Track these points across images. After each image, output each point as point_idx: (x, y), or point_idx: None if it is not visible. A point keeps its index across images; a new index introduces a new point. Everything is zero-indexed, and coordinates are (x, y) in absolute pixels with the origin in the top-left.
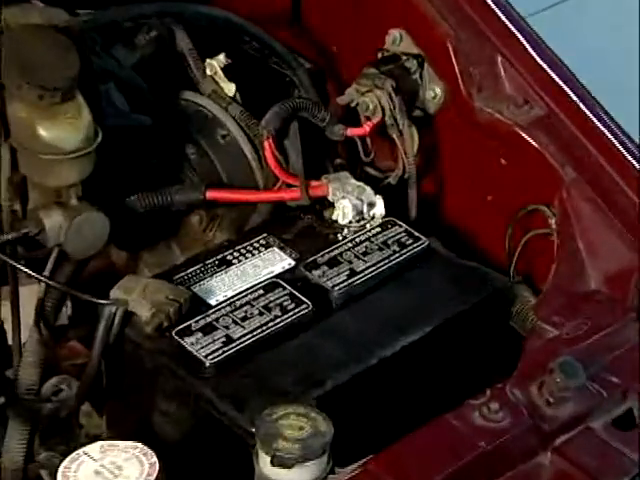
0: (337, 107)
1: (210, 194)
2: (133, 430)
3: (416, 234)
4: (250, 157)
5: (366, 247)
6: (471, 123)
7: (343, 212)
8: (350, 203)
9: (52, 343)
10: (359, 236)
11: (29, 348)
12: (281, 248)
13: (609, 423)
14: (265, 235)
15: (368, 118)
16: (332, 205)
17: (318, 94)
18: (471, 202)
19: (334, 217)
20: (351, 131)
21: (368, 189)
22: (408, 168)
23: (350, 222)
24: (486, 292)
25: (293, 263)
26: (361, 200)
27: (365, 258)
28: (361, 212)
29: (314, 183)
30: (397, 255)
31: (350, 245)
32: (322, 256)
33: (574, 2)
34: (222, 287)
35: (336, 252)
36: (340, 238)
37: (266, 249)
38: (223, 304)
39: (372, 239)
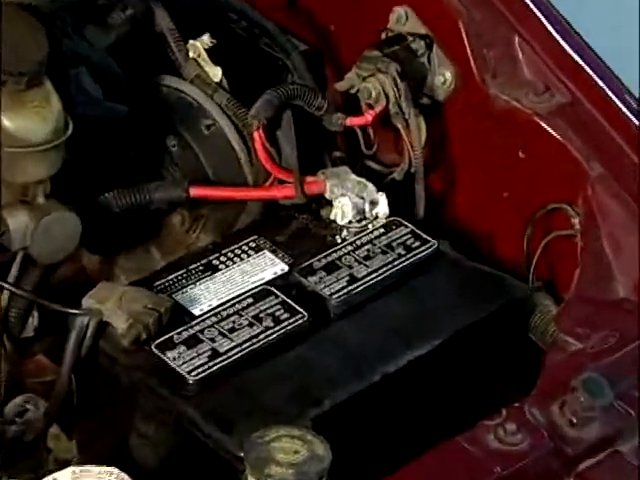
0: (336, 94)
1: (194, 191)
2: (108, 454)
3: (424, 236)
4: (238, 150)
5: (368, 250)
6: (485, 112)
7: (342, 211)
8: (350, 201)
9: (16, 358)
10: (360, 238)
11: None
12: (273, 252)
13: (638, 446)
14: (255, 237)
15: (370, 106)
16: (330, 204)
17: (314, 79)
18: (485, 200)
19: (332, 217)
20: (351, 121)
21: (370, 186)
22: (415, 162)
23: (350, 222)
24: (502, 300)
25: (286, 268)
26: (362, 198)
27: (367, 263)
28: (362, 211)
29: (310, 179)
30: (402, 259)
31: (350, 248)
32: (319, 260)
33: (574, 2)
34: (207, 295)
35: (335, 256)
36: (339, 240)
37: (256, 253)
38: (208, 314)
39: (375, 241)
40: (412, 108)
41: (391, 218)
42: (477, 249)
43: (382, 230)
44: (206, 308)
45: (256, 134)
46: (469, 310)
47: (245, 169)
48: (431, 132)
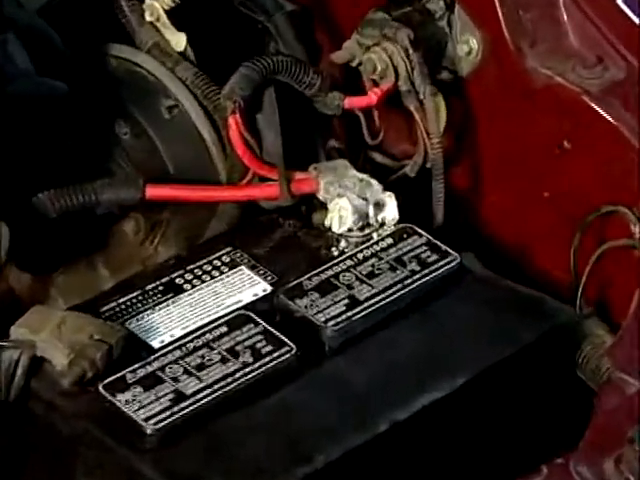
0: (332, 68)
1: (151, 191)
2: None
3: (443, 247)
4: (208, 139)
5: (373, 266)
6: (520, 90)
7: (340, 216)
8: (350, 204)
9: None
10: (363, 250)
11: None
12: (252, 267)
13: None
14: (230, 249)
15: (375, 83)
16: (324, 207)
17: (304, 49)
18: (520, 202)
19: (327, 223)
20: (351, 102)
21: (375, 184)
22: (432, 154)
23: (350, 230)
24: (541, 329)
25: (269, 289)
26: (365, 199)
27: (371, 282)
28: (365, 216)
29: (299, 176)
30: (416, 277)
31: (350, 263)
32: (310, 279)
33: None
34: (169, 323)
35: (330, 273)
36: (336, 253)
37: (231, 269)
38: (171, 347)
39: (381, 254)
40: (428, 85)
41: (402, 225)
42: (510, 263)
43: (390, 240)
44: (168, 339)
45: (231, 119)
46: (500, 341)
47: (217, 163)
48: (452, 116)
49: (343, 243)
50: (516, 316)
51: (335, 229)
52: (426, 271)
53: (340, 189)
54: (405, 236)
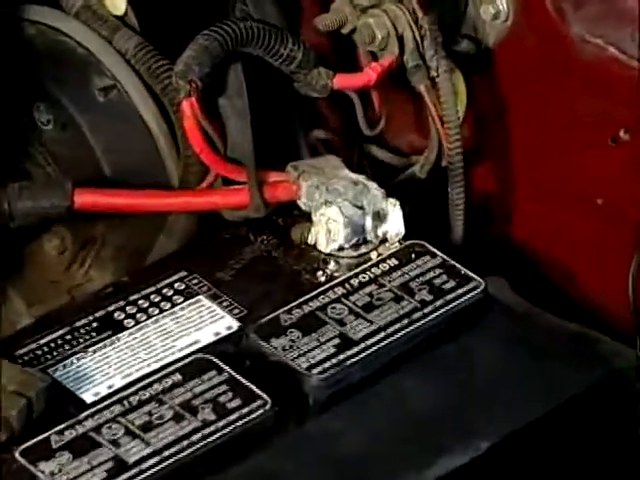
0: (317, 36)
1: (81, 198)
2: None
3: (463, 270)
4: (155, 129)
5: (371, 295)
6: (563, 64)
7: (328, 231)
8: (341, 214)
9: None
10: (358, 275)
11: None
12: (214, 298)
13: None
14: (184, 274)
15: (374, 56)
16: (307, 218)
17: (281, 11)
18: (563, 211)
19: (311, 240)
20: (343, 81)
21: (374, 188)
22: (448, 148)
23: (341, 249)
24: (594, 377)
25: (236, 325)
26: (361, 208)
27: (369, 316)
28: (361, 230)
29: (274, 177)
30: (428, 310)
31: (341, 292)
32: (289, 312)
33: None
34: (106, 370)
35: (315, 304)
36: (323, 279)
37: (186, 300)
38: (109, 401)
39: (382, 280)
40: (443, 59)
41: (409, 242)
42: (550, 290)
43: (395, 262)
44: (104, 391)
45: (185, 104)
46: (538, 393)
47: (167, 161)
48: (474, 99)
49: (332, 265)
50: (560, 360)
51: (322, 247)
52: (441, 302)
53: (328, 195)
54: (414, 256)
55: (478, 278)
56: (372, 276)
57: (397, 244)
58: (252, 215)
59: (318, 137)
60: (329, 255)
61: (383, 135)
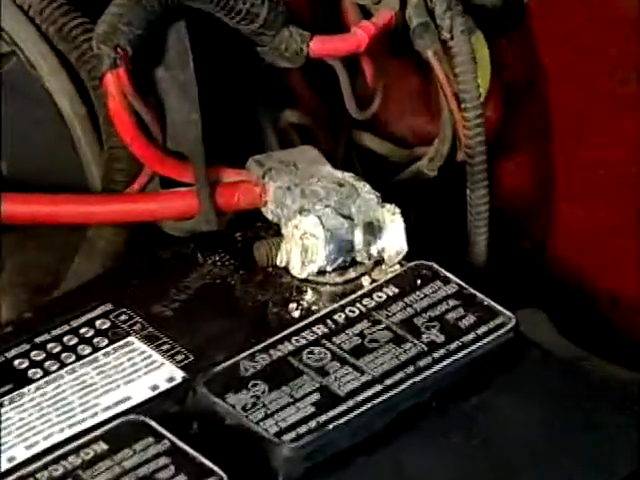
0: None
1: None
2: None
3: (486, 301)
4: (69, 112)
5: (362, 335)
6: (612, 21)
7: (303, 249)
8: (321, 226)
9: None
10: (345, 308)
11: None
12: (149, 339)
13: None
14: (110, 308)
15: (365, 12)
16: (276, 231)
17: None
18: (615, 216)
19: (281, 262)
20: (324, 45)
21: (366, 190)
22: (466, 136)
23: (322, 273)
24: None
25: (181, 376)
26: (348, 217)
27: (359, 363)
28: (348, 248)
29: (231, 176)
30: (440, 355)
31: (322, 331)
32: (252, 358)
33: None
34: (6, 437)
35: (288, 348)
36: (296, 314)
37: (113, 342)
38: (9, 478)
39: (377, 315)
40: (458, 16)
41: (414, 263)
42: (600, 326)
43: (394, 290)
44: (4, 465)
45: (110, 77)
46: (588, 468)
47: (85, 154)
48: (502, 68)
49: (310, 295)
50: (615, 426)
51: (295, 271)
52: (457, 344)
53: (303, 200)
54: (420, 282)
55: (507, 312)
56: (364, 309)
57: (397, 266)
58: (201, 228)
59: (290, 121)
60: (305, 282)
61: (378, 119)
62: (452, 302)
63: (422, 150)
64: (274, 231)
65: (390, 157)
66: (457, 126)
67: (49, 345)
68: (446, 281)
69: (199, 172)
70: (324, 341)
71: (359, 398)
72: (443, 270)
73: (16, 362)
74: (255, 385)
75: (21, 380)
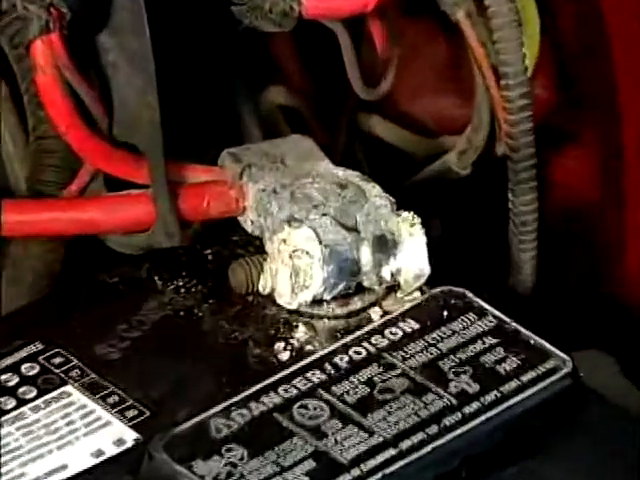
0: None
1: None
2: None
3: (534, 340)
4: None
5: (371, 385)
6: None
7: (294, 270)
8: (317, 241)
9: None
10: (348, 349)
11: None
12: (92, 389)
13: None
14: (40, 347)
15: None
16: (258, 248)
17: None
18: None
19: (264, 287)
20: (317, 4)
21: (375, 194)
22: (508, 123)
23: (318, 302)
24: None
25: (133, 438)
26: (353, 229)
27: (367, 422)
28: (353, 269)
29: (199, 175)
30: (472, 410)
31: (317, 378)
32: (227, 414)
33: None
34: None
35: (274, 400)
36: (284, 356)
37: (44, 393)
38: None
39: (391, 358)
40: None
41: (440, 289)
42: None
43: (413, 324)
44: None
45: (40, 45)
46: None
47: (6, 146)
48: (556, 34)
49: (302, 332)
50: None
51: (283, 300)
52: (495, 395)
53: (293, 206)
54: (446, 314)
55: (561, 353)
56: (373, 350)
57: (417, 294)
58: (159, 243)
59: (276, 103)
60: (296, 314)
61: (391, 99)
62: (489, 340)
63: (449, 141)
64: (255, 247)
65: (407, 149)
66: (496, 109)
67: None
68: (481, 313)
69: (156, 169)
70: (321, 392)
71: (367, 466)
72: (477, 299)
73: None
74: (230, 450)
75: None
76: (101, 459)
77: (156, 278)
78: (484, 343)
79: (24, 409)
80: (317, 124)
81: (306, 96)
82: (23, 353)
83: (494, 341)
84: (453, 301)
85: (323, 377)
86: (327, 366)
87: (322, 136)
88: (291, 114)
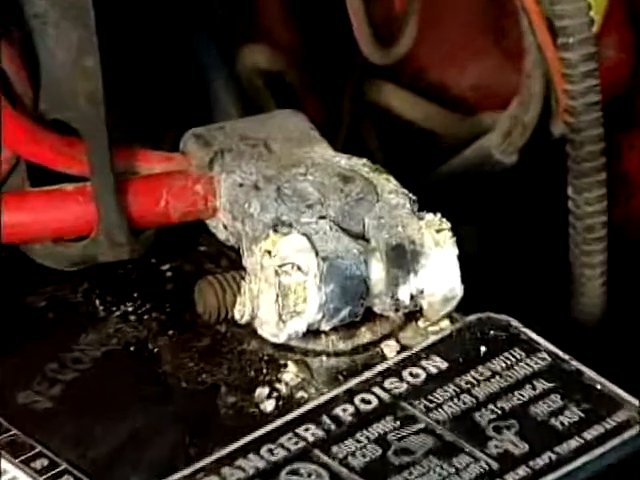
0: None
1: None
2: None
3: (602, 384)
4: None
5: (384, 445)
6: None
7: (282, 291)
8: (312, 254)
9: None
10: (354, 397)
11: None
12: (13, 450)
13: None
14: None
15: None
16: (233, 261)
17: None
18: None
19: (241, 314)
20: None
21: (389, 188)
22: (569, 95)
23: (316, 334)
24: None
25: None
26: (361, 237)
27: None
28: (361, 291)
29: (155, 163)
30: (521, 477)
31: (313, 435)
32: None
33: None
34: None
35: (256, 465)
36: (269, 406)
37: None
38: None
39: (410, 408)
40: None
41: (475, 316)
42: None
43: (440, 363)
44: None
45: None
46: None
47: None
48: None
49: (292, 374)
50: None
51: (268, 330)
52: (549, 457)
53: (280, 205)
54: (485, 350)
55: (637, 402)
56: (387, 398)
57: (446, 322)
58: (103, 256)
59: (257, 67)
60: (285, 349)
61: (412, 65)
62: (542, 385)
63: (489, 118)
64: (229, 261)
65: (434, 130)
66: (553, 76)
67: None
68: (531, 348)
69: (98, 157)
70: (318, 453)
71: None
72: (525, 329)
73: None
74: None
75: None
76: None
77: (97, 302)
78: (535, 388)
79: None
80: (311, 96)
81: (296, 58)
82: None
83: (548, 386)
84: (493, 332)
85: (320, 434)
86: (325, 419)
87: (318, 112)
88: (276, 82)
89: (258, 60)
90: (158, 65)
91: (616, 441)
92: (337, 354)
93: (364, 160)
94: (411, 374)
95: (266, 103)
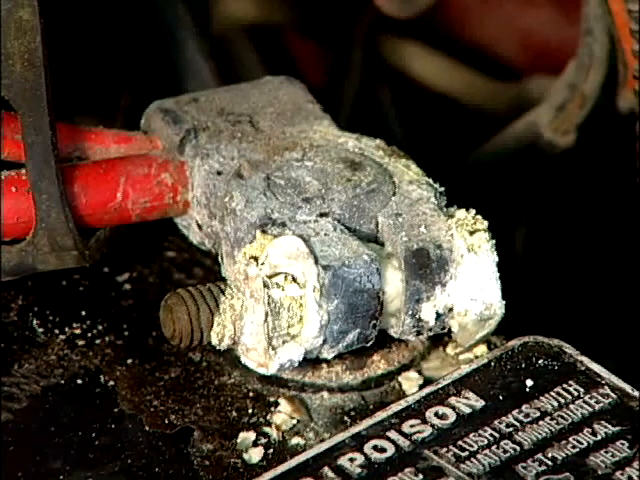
0: None
1: None
2: None
3: None
4: None
5: None
6: None
7: (274, 309)
8: (311, 260)
9: None
10: (365, 444)
11: None
12: None
13: None
14: None
15: None
16: (208, 270)
17: None
18: None
19: (221, 338)
20: None
21: (408, 177)
22: (636, 56)
23: (315, 362)
24: None
25: None
26: (372, 240)
27: None
28: (372, 309)
29: (111, 144)
30: None
31: None
32: None
33: None
34: None
35: None
36: (256, 456)
37: None
38: None
39: (436, 457)
40: None
41: (519, 340)
42: None
43: (474, 400)
44: None
45: None
46: None
47: None
48: None
49: (285, 415)
50: None
51: (253, 359)
52: None
53: (270, 199)
54: (532, 383)
55: None
56: (406, 445)
57: (482, 348)
58: (43, 264)
59: (239, 17)
60: (276, 383)
61: (440, 19)
62: (604, 428)
63: (539, 86)
64: (204, 270)
65: (468, 100)
66: (618, 35)
67: None
68: (592, 382)
69: (37, 137)
70: None
71: None
72: (583, 357)
73: None
74: None
75: None
76: None
77: (35, 323)
78: (595, 433)
79: None
80: (310, 56)
81: (290, 6)
82: None
83: (612, 430)
84: (542, 361)
85: None
86: (327, 472)
87: (319, 76)
88: (264, 37)
89: (238, 8)
90: (111, 21)
91: None
92: (342, 389)
93: (377, 141)
94: (437, 415)
95: (251, 67)
